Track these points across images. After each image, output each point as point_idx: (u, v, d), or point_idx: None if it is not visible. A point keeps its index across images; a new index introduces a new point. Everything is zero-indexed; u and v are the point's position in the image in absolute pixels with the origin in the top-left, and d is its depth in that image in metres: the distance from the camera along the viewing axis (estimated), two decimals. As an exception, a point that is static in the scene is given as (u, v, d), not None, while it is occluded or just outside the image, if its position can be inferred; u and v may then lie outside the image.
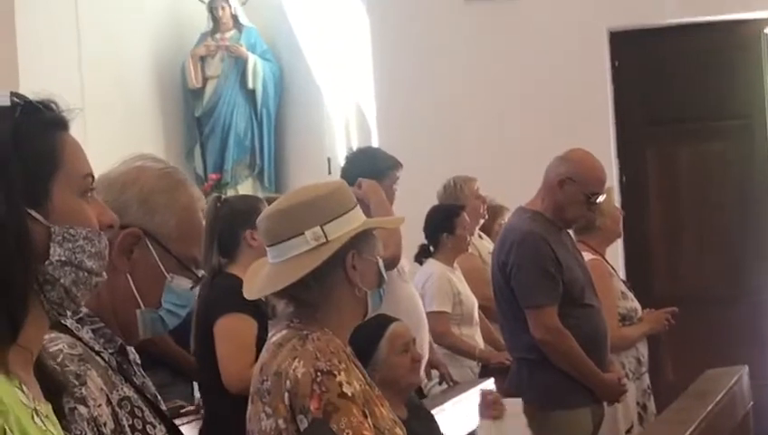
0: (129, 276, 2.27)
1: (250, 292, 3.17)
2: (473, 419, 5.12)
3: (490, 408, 4.80)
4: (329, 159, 9.66)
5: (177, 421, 2.60)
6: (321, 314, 3.09)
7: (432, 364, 6.39)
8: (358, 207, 3.15)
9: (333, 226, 3.03)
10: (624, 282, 6.31)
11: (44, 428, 1.66)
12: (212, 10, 10.22)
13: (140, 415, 2.20)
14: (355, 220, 3.09)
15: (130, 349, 2.32)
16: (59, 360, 2.11)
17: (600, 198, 5.32)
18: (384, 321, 4.15)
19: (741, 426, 5.87)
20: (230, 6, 10.21)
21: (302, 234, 3.02)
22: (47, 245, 1.72)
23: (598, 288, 5.40)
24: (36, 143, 1.74)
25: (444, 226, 6.96)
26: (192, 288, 2.35)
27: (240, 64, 10.11)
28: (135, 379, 2.28)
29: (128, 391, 2.21)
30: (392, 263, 5.22)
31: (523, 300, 5.18)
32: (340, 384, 2.95)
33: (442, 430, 4.53)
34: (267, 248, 3.11)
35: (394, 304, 4.81)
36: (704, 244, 9.08)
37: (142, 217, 2.30)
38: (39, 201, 1.72)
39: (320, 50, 10.01)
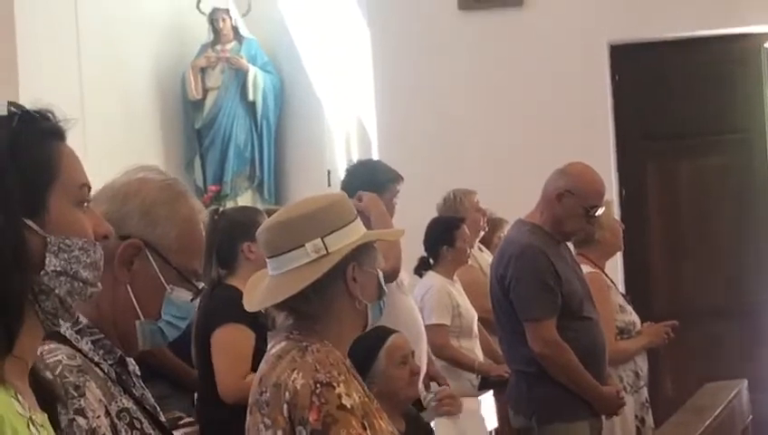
0: (129, 287, 2.27)
1: (250, 304, 3.17)
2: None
3: (444, 404, 4.73)
4: (329, 172, 9.65)
5: (175, 433, 2.60)
6: (321, 326, 3.09)
7: (431, 377, 6.39)
8: (358, 219, 3.15)
9: (334, 238, 3.03)
10: (623, 295, 6.31)
11: (40, 437, 1.66)
12: (213, 21, 10.22)
13: (139, 427, 2.20)
14: (355, 232, 3.09)
15: (130, 360, 2.32)
16: (58, 371, 2.11)
17: (599, 212, 5.32)
18: (383, 333, 4.15)
19: (740, 440, 5.87)
20: (231, 18, 10.22)
21: (303, 246, 3.02)
22: (43, 255, 1.72)
23: (596, 301, 5.40)
24: (33, 153, 1.75)
25: (444, 238, 6.96)
26: (192, 300, 2.35)
27: (240, 76, 10.11)
28: (134, 390, 2.28)
29: (127, 402, 2.21)
30: (392, 275, 5.23)
31: (521, 313, 5.18)
32: (340, 396, 2.95)
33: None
34: (267, 260, 3.11)
35: (393, 316, 4.81)
36: (703, 258, 9.08)
37: (143, 229, 2.30)
38: (36, 211, 1.72)
39: (320, 62, 10.01)
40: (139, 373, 2.34)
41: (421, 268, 7.07)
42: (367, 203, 5.39)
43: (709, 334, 8.77)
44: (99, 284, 1.81)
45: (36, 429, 1.67)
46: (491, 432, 6.03)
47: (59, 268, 1.73)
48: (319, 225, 3.04)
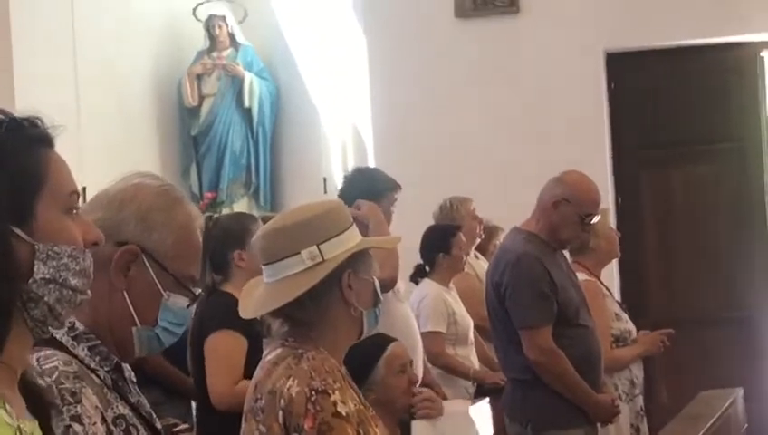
0: (125, 294, 2.26)
1: (245, 311, 3.16)
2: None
3: (422, 407, 4.69)
4: (325, 179, 9.65)
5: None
6: (317, 334, 3.08)
7: (426, 384, 6.38)
8: (354, 226, 3.14)
9: (329, 245, 3.03)
10: (619, 303, 6.32)
11: (28, 445, 1.66)
12: (209, 28, 10.23)
13: (135, 433, 2.20)
14: (351, 240, 3.08)
15: (126, 366, 2.32)
16: (54, 377, 2.10)
17: (595, 220, 5.33)
18: (382, 341, 4.15)
19: (735, 449, 5.87)
20: (227, 25, 10.23)
21: (298, 253, 3.02)
22: (31, 262, 1.71)
23: (592, 309, 5.40)
24: (20, 160, 1.74)
25: (440, 246, 6.96)
26: (188, 306, 2.35)
27: (236, 83, 10.12)
28: (130, 397, 2.27)
29: (123, 409, 2.21)
30: (389, 284, 5.21)
31: (517, 321, 5.18)
32: (335, 404, 2.94)
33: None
34: (263, 267, 3.11)
35: (389, 323, 4.81)
36: (699, 266, 9.08)
37: (140, 235, 2.29)
38: (23, 218, 1.71)
39: (316, 69, 10.02)
40: (134, 380, 2.34)
41: (417, 276, 7.06)
42: (366, 212, 5.39)
43: (705, 343, 8.76)
44: (88, 291, 1.80)
45: (25, 438, 1.66)
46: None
47: (48, 276, 1.73)
48: (314, 232, 3.04)
